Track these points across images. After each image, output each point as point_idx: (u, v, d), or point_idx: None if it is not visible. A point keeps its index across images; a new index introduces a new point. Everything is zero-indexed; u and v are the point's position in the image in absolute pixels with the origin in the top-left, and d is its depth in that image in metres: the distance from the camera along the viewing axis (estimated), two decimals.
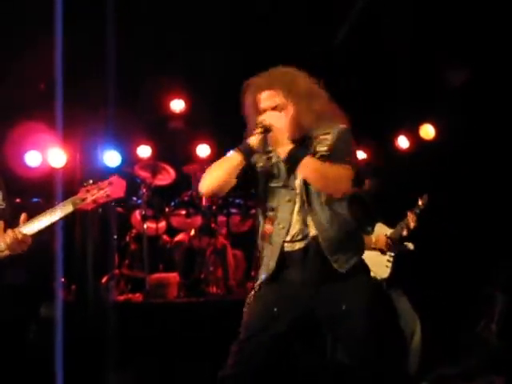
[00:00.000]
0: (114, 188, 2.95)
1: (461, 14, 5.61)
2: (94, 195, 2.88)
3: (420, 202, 4.43)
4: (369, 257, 4.27)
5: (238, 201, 6.28)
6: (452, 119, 6.34)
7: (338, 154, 2.70)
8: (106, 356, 4.56)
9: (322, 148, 2.73)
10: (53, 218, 2.83)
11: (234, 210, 6.27)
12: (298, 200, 2.75)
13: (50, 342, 4.28)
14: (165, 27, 5.92)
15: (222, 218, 6.27)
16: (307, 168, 2.66)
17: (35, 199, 5.78)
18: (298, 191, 2.75)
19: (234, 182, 2.73)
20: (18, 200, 5.53)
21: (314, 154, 2.71)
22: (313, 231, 2.71)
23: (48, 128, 5.72)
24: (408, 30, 5.74)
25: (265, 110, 2.75)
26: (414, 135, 6.79)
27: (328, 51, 6.01)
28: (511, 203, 5.93)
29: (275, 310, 2.72)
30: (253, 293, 2.83)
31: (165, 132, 7.07)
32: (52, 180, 5.56)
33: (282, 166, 2.77)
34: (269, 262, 2.77)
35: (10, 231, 2.75)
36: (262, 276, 2.81)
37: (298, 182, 2.75)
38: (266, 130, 2.68)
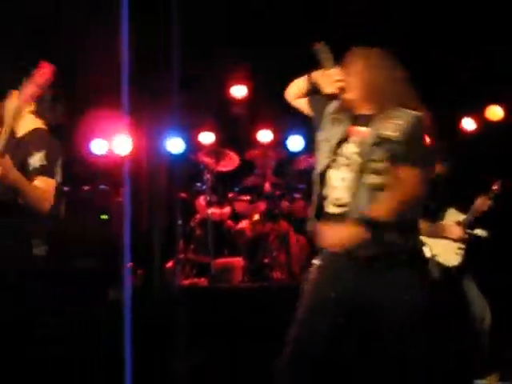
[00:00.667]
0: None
1: None
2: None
3: (495, 187, 4.33)
4: (440, 244, 4.23)
5: (301, 186, 6.28)
6: None
7: (410, 145, 2.62)
8: (172, 340, 4.64)
9: (393, 133, 2.63)
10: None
11: (297, 195, 6.27)
12: (338, 162, 2.70)
13: (117, 325, 4.37)
14: (228, 12, 5.94)
15: (285, 203, 6.28)
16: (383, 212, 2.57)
17: (103, 186, 5.91)
18: (341, 154, 2.70)
19: (305, 100, 2.91)
20: (86, 187, 5.68)
21: (379, 136, 2.64)
22: (350, 201, 2.63)
23: (114, 116, 5.83)
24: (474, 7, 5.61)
25: (347, 71, 2.76)
26: (479, 117, 6.63)
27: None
28: None
29: (332, 295, 2.65)
30: (312, 269, 2.76)
31: (227, 118, 7.11)
32: (118, 167, 5.68)
33: (338, 126, 2.75)
34: (312, 213, 2.76)
35: None
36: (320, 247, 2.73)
37: (347, 151, 2.70)
38: (341, 90, 2.74)
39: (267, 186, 6.28)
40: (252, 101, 7.01)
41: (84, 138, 6.41)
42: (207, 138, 6.91)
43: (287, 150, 6.76)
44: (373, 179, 2.61)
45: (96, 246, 5.21)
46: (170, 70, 5.50)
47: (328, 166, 2.70)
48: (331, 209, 2.68)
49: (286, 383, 2.68)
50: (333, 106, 2.84)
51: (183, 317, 4.68)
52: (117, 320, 4.39)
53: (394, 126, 2.63)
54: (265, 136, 6.93)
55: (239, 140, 6.87)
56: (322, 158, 2.74)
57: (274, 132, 6.94)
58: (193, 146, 6.72)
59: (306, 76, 2.89)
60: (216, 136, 6.89)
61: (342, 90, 2.75)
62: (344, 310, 2.66)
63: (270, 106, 6.68)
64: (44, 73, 3.05)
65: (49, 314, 3.34)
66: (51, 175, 3.05)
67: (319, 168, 2.74)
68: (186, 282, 5.70)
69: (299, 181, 6.31)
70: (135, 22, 4.59)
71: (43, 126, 3.20)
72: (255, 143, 6.85)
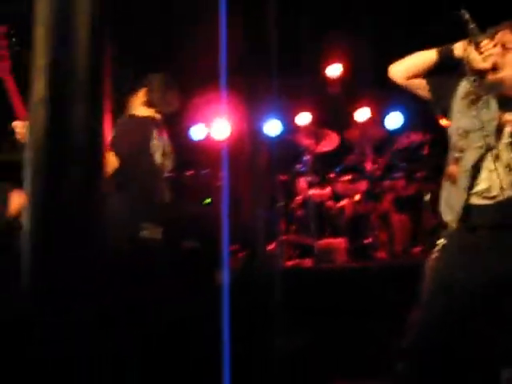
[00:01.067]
0: None
1: None
2: None
3: None
4: None
5: (402, 164, 6.17)
6: None
7: None
8: (276, 322, 4.68)
9: None
10: None
11: (398, 174, 6.16)
12: (489, 153, 2.55)
13: (218, 307, 4.44)
14: None
15: (386, 182, 6.19)
16: None
17: (204, 171, 6.01)
18: (492, 145, 2.55)
19: (421, 80, 2.72)
20: (190, 172, 5.79)
21: None
22: (499, 192, 2.53)
23: (212, 101, 5.90)
24: None
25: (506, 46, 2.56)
26: None
27: None
28: None
29: (460, 275, 2.56)
30: (434, 256, 2.67)
31: (324, 98, 7.06)
32: (218, 152, 5.75)
33: (486, 111, 2.58)
34: (453, 205, 2.61)
35: None
36: (448, 219, 2.64)
37: (500, 142, 2.55)
38: (477, 45, 2.52)
39: (368, 165, 6.20)
40: (349, 79, 6.93)
41: (184, 124, 6.52)
42: (305, 118, 6.89)
43: (386, 127, 6.65)
44: None
45: (201, 229, 5.31)
46: (266, 52, 5.49)
47: (480, 159, 2.55)
48: (476, 200, 2.58)
49: (413, 369, 2.60)
50: (464, 87, 2.65)
51: (287, 299, 4.71)
52: (217, 303, 4.47)
53: None
54: (363, 114, 6.85)
55: (337, 120, 6.81)
56: (470, 149, 2.57)
57: (372, 110, 6.83)
58: (291, 127, 6.72)
59: (440, 49, 2.66)
60: (313, 116, 6.85)
61: (496, 66, 2.52)
62: (475, 290, 2.57)
63: (367, 83, 6.59)
64: None
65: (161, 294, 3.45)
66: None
67: (470, 160, 2.56)
68: (289, 264, 5.72)
69: (400, 159, 6.19)
70: (232, 6, 4.61)
71: (153, 115, 3.30)
72: (354, 122, 6.77)
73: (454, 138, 2.64)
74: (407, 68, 2.74)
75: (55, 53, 1.98)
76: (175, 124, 6.17)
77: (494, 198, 2.55)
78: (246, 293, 4.79)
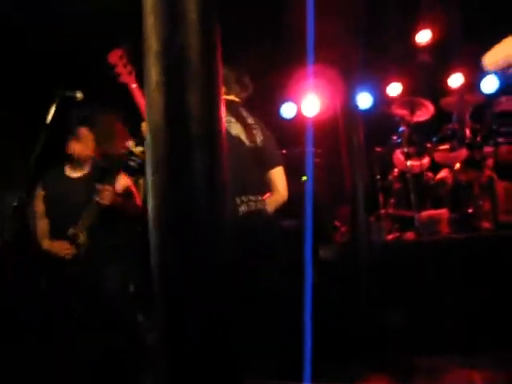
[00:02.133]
0: None
1: None
2: None
3: None
4: None
5: (504, 129, 5.92)
6: None
7: None
8: (381, 297, 4.63)
9: None
10: None
11: (500, 140, 5.91)
12: None
13: (327, 282, 4.44)
14: None
15: (487, 149, 5.97)
16: None
17: (297, 149, 5.98)
18: None
19: None
20: (283, 151, 5.78)
21: None
22: None
23: (301, 77, 5.85)
24: None
25: None
26: None
27: None
28: None
29: None
30: None
31: (415, 66, 6.88)
32: (311, 129, 5.71)
33: None
34: None
35: None
36: None
37: None
38: None
39: (467, 132, 6.00)
40: (438, 45, 6.72)
41: (275, 102, 6.51)
42: (396, 89, 6.75)
43: (482, 92, 6.42)
44: None
45: (300, 207, 5.31)
46: (355, 23, 5.39)
47: None
48: None
49: None
50: None
51: (389, 272, 4.65)
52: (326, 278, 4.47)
53: None
54: (457, 80, 6.65)
55: (431, 87, 6.62)
56: None
57: (466, 75, 6.61)
58: (382, 98, 6.60)
59: None
60: (405, 86, 6.70)
61: None
62: None
63: (458, 48, 6.37)
64: None
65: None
66: None
67: None
68: (391, 237, 5.64)
69: (501, 124, 5.95)
70: None
71: (235, 99, 3.44)
72: (448, 89, 6.57)
73: None
74: (502, 60, 2.73)
75: (167, 40, 1.99)
76: (266, 103, 6.19)
77: None
78: (349, 268, 4.77)
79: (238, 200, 3.27)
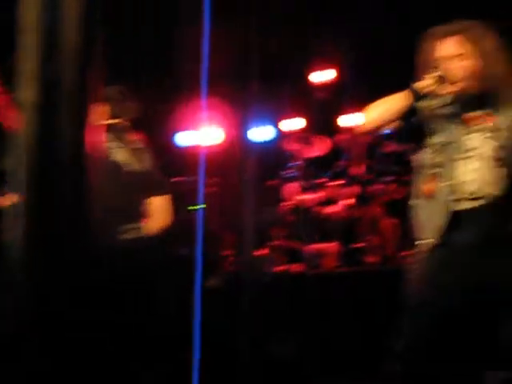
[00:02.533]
0: None
1: None
2: None
3: None
4: None
5: (393, 168, 6.18)
6: None
7: None
8: (268, 327, 4.68)
9: None
10: None
11: (389, 178, 6.17)
12: (467, 158, 2.61)
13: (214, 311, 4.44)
14: None
15: (377, 187, 6.20)
16: None
17: (190, 178, 6.00)
18: (468, 149, 2.62)
19: (396, 123, 2.68)
20: (176, 179, 5.79)
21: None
22: (484, 191, 2.59)
23: (199, 107, 5.89)
24: None
25: (445, 58, 2.63)
26: None
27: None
28: None
29: (443, 278, 2.61)
30: (416, 258, 2.72)
31: (314, 103, 7.08)
32: (207, 158, 5.74)
33: (456, 120, 2.65)
34: (433, 221, 2.64)
35: None
36: (426, 238, 2.68)
37: (471, 142, 2.62)
38: (441, 78, 2.58)
39: (358, 169, 6.22)
40: (338, 84, 6.95)
41: (171, 130, 6.52)
42: (295, 124, 6.90)
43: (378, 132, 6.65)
44: None
45: (188, 235, 5.33)
46: (254, 57, 5.51)
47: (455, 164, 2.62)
48: (463, 205, 2.62)
49: (408, 370, 2.64)
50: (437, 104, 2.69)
51: (276, 304, 4.72)
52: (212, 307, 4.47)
53: None
54: (352, 119, 6.85)
55: (328, 125, 6.82)
56: (450, 161, 2.63)
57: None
58: (281, 132, 6.73)
59: (409, 92, 2.63)
60: (304, 122, 6.87)
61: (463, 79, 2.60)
62: (460, 293, 2.63)
63: (356, 88, 6.61)
64: None
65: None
66: None
67: (451, 171, 2.63)
68: (280, 269, 5.72)
69: (390, 163, 6.20)
70: (216, 11, 4.64)
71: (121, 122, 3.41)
72: (342, 127, 6.78)
73: (428, 156, 2.69)
74: (379, 120, 2.69)
75: (41, 60, 1.98)
76: (163, 129, 6.20)
77: (479, 198, 2.60)
78: (236, 298, 4.80)
79: (120, 227, 3.25)
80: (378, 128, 2.75)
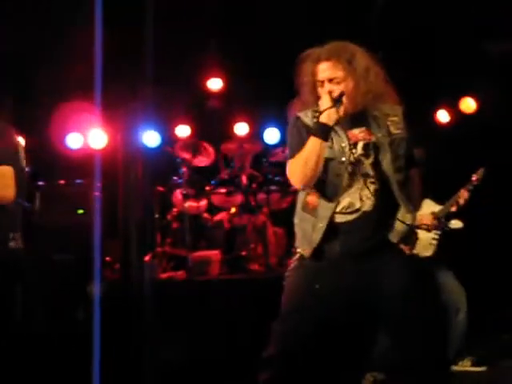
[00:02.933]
0: None
1: None
2: None
3: (474, 178, 4.28)
4: None
5: (277, 178, 6.30)
6: (493, 92, 6.24)
7: (410, 138, 2.80)
8: (149, 333, 4.65)
9: (397, 131, 2.77)
10: None
11: (273, 188, 6.28)
12: (347, 174, 2.72)
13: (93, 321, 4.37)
14: (201, 4, 5.94)
15: (262, 196, 6.30)
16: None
17: (78, 180, 5.87)
18: (348, 164, 2.73)
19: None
20: (62, 181, 5.65)
21: (390, 135, 2.75)
22: (362, 204, 2.71)
23: (88, 110, 5.79)
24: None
25: (322, 82, 2.73)
26: (454, 109, 6.69)
27: (364, 25, 5.95)
28: None
29: (316, 286, 2.71)
30: (293, 266, 2.81)
31: (203, 111, 7.11)
32: (94, 161, 5.64)
33: (337, 137, 2.74)
34: (312, 234, 2.73)
35: None
36: (303, 249, 2.78)
37: (351, 156, 2.72)
38: (337, 101, 2.66)
39: (244, 178, 6.30)
40: (228, 94, 7.01)
41: (60, 132, 6.36)
42: (183, 131, 6.89)
43: (264, 142, 6.77)
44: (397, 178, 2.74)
45: (73, 240, 5.21)
46: (144, 62, 5.48)
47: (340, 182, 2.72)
48: (339, 219, 2.72)
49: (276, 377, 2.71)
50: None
51: (160, 311, 4.69)
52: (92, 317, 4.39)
53: (395, 123, 2.78)
54: (241, 129, 6.93)
55: (216, 133, 6.86)
56: (330, 176, 2.71)
57: (251, 125, 6.94)
58: (169, 139, 6.70)
59: (316, 133, 2.65)
60: (192, 129, 6.87)
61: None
62: (332, 303, 2.75)
63: (246, 98, 6.70)
64: None
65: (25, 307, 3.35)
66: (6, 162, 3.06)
67: (332, 187, 2.72)
68: (164, 276, 5.70)
69: (275, 173, 6.33)
70: (109, 15, 4.58)
71: None
72: (232, 136, 6.85)
73: None
74: (310, 175, 2.67)
75: None
76: (51, 131, 6.03)
77: (356, 211, 2.72)
78: (119, 305, 4.73)
79: (9, 235, 3.13)
80: (310, 183, 2.73)
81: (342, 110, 2.67)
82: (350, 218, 2.71)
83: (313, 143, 2.64)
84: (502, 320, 5.14)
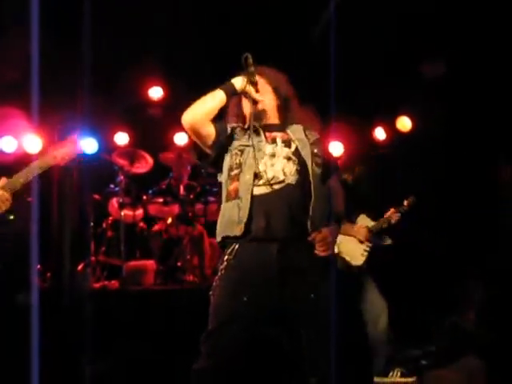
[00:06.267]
0: (75, 145, 3.38)
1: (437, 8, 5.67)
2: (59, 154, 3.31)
3: (405, 203, 4.67)
4: (347, 242, 4.49)
5: (215, 189, 6.29)
6: (428, 111, 6.40)
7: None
8: (82, 344, 4.57)
9: (313, 138, 2.96)
10: (29, 176, 3.04)
11: (211, 199, 6.27)
12: (268, 156, 2.86)
13: (25, 329, 4.26)
14: (142, 13, 5.90)
15: (199, 206, 6.28)
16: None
17: None
18: (268, 150, 2.88)
19: (211, 126, 2.85)
20: None
21: (307, 138, 2.94)
22: (286, 178, 2.82)
23: (23, 114, 5.68)
24: (385, 22, 5.79)
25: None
26: (390, 127, 6.83)
27: (304, 43, 6.03)
28: (488, 192, 6.02)
29: (245, 298, 2.70)
30: (219, 275, 2.80)
31: (143, 119, 7.04)
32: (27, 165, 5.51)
33: (256, 136, 2.88)
34: (239, 213, 2.77)
35: None
36: (234, 232, 2.79)
37: (274, 146, 2.89)
38: (253, 82, 2.86)
39: (181, 188, 6.27)
40: (168, 103, 6.97)
41: None
42: (122, 138, 6.81)
43: None
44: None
45: (2, 247, 5.07)
46: (82, 68, 5.41)
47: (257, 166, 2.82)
48: (265, 189, 2.80)
49: None
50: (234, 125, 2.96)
51: (93, 321, 4.62)
52: (24, 325, 4.28)
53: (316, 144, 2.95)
54: (181, 139, 6.90)
55: (155, 142, 6.82)
56: (248, 161, 2.84)
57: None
58: (107, 146, 6.61)
59: (224, 87, 2.87)
60: (131, 137, 6.80)
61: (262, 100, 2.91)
62: (258, 313, 2.74)
63: (186, 108, 6.66)
64: None
65: None
66: None
67: (250, 169, 2.82)
68: (97, 285, 5.61)
69: (213, 184, 6.32)
70: (46, 22, 4.51)
71: None
72: (171, 146, 6.81)
73: (230, 160, 2.89)
74: (201, 112, 2.84)
75: None
76: None
77: (281, 182, 2.81)
78: (52, 315, 4.63)
79: None
80: (195, 125, 2.85)
81: (250, 79, 2.84)
82: (274, 188, 2.79)
83: (215, 92, 2.86)
84: (426, 330, 5.27)
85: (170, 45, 6.29)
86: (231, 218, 2.80)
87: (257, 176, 2.80)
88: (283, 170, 2.81)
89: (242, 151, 2.86)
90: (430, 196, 5.76)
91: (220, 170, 2.94)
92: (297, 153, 2.87)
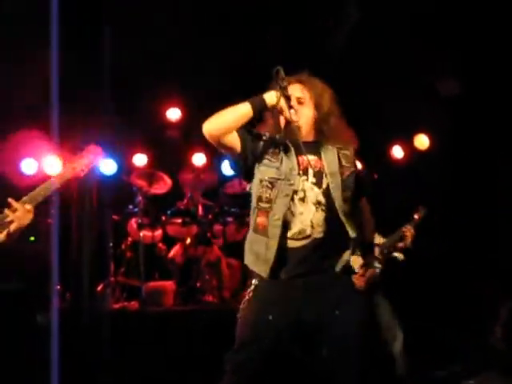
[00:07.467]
0: (94, 155, 3.36)
1: (453, 25, 5.68)
2: (78, 165, 3.29)
3: (416, 216, 4.47)
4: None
5: (233, 209, 6.30)
6: (446, 129, 6.39)
7: (361, 171, 3.02)
8: (101, 364, 4.57)
9: (347, 164, 2.87)
10: (50, 189, 3.05)
11: (229, 219, 6.28)
12: (299, 200, 2.77)
13: (45, 350, 4.27)
14: (161, 36, 5.96)
15: (217, 227, 6.28)
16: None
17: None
18: (300, 190, 2.78)
19: (233, 136, 2.75)
20: None
21: (341, 166, 2.84)
22: (313, 231, 2.75)
23: (44, 136, 5.74)
24: (402, 40, 5.80)
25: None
26: (408, 145, 6.83)
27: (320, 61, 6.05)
28: (504, 209, 5.98)
29: (270, 317, 2.71)
30: (247, 297, 2.80)
31: (161, 141, 7.08)
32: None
33: (287, 160, 2.80)
34: (266, 253, 2.73)
35: (17, 204, 2.93)
36: (260, 269, 2.76)
37: (305, 183, 2.79)
38: (288, 97, 2.73)
39: (199, 209, 6.28)
40: (186, 124, 7.01)
41: (14, 158, 6.27)
42: (140, 160, 6.86)
43: (221, 173, 6.77)
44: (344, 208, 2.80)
45: (23, 268, 5.10)
46: (102, 90, 5.46)
47: (289, 205, 2.75)
48: (290, 244, 2.74)
49: None
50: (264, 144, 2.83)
51: (112, 341, 4.62)
52: (44, 345, 4.29)
53: (346, 156, 2.88)
54: (199, 159, 6.93)
55: (173, 163, 6.85)
56: (279, 198, 2.75)
57: (208, 155, 6.95)
58: (125, 167, 6.66)
59: (253, 100, 2.75)
60: (149, 158, 6.84)
61: (296, 115, 2.77)
62: (284, 332, 2.73)
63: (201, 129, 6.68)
64: None
65: None
66: None
67: (280, 209, 2.74)
68: (117, 306, 5.62)
69: (231, 204, 6.33)
70: (67, 43, 4.57)
71: None
72: (189, 166, 6.84)
73: (259, 191, 2.79)
74: (222, 123, 2.73)
75: None
76: (5, 156, 5.94)
77: (307, 237, 2.75)
78: (71, 335, 4.64)
79: None
80: (216, 134, 2.76)
81: (285, 97, 2.72)
82: (300, 243, 2.74)
83: (241, 105, 2.74)
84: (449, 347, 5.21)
85: (188, 66, 6.33)
86: (258, 253, 2.76)
87: (285, 223, 2.74)
88: (311, 221, 2.74)
89: (272, 184, 2.76)
90: (442, 210, 5.73)
91: (251, 180, 2.85)
92: (327, 192, 2.78)
